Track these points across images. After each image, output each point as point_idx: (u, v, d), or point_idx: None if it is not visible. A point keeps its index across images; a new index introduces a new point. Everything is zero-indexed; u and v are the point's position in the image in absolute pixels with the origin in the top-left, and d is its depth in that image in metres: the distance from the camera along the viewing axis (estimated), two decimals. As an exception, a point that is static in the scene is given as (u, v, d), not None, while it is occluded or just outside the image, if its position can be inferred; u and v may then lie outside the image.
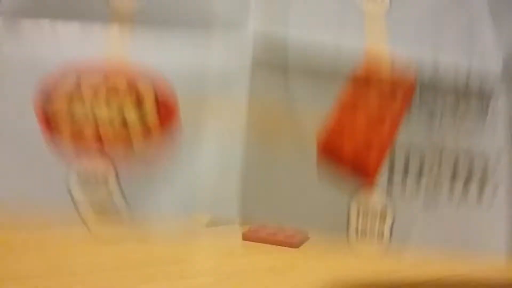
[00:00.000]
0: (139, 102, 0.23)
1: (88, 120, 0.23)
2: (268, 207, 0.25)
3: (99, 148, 0.23)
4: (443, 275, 0.41)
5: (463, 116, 0.26)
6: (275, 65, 0.24)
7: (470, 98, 0.26)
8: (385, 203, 0.25)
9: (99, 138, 0.23)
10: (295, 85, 0.25)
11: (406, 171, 0.25)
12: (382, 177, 0.25)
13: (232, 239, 0.50)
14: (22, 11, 0.24)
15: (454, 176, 0.25)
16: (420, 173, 0.25)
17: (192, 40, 0.24)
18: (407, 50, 0.26)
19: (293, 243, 0.47)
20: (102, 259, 0.45)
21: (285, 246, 0.47)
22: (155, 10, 0.24)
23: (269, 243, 0.48)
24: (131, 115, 0.23)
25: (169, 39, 0.24)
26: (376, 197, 0.25)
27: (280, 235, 0.48)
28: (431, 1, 0.28)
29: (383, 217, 0.25)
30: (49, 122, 0.23)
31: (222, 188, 0.24)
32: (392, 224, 0.25)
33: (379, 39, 0.26)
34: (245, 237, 0.49)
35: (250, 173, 0.24)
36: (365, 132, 0.25)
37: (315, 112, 0.25)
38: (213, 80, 0.24)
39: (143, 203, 0.23)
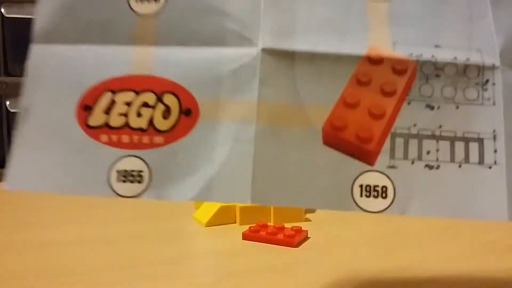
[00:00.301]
0: (167, 112, 0.27)
1: (124, 130, 0.27)
2: (278, 190, 0.27)
3: (134, 150, 0.27)
4: (442, 275, 0.42)
5: (461, 104, 0.28)
6: (283, 72, 0.27)
7: (468, 87, 0.28)
8: (386, 180, 0.27)
9: (133, 144, 0.27)
10: (302, 87, 0.27)
11: (405, 155, 0.27)
12: (382, 159, 0.27)
13: (232, 239, 0.50)
14: (54, 38, 0.28)
15: (452, 159, 0.28)
16: (419, 157, 0.27)
17: (208, 55, 0.28)
18: (408, 44, 0.28)
19: (293, 243, 0.47)
20: (102, 258, 0.45)
21: (285, 246, 0.47)
22: (175, 31, 0.28)
23: (269, 243, 0.48)
24: (161, 125, 0.27)
25: (188, 55, 0.28)
26: (378, 175, 0.27)
27: (280, 235, 0.48)
28: None
29: (384, 190, 0.27)
30: (91, 129, 0.27)
31: (235, 174, 0.27)
32: (394, 189, 0.27)
33: (381, 39, 0.28)
34: (245, 237, 0.49)
35: (261, 160, 0.27)
36: (366, 122, 0.27)
37: (320, 106, 0.27)
38: (227, 86, 0.27)
39: (168, 191, 0.27)
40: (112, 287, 0.39)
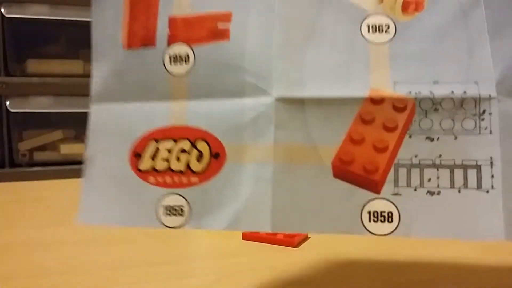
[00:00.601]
0: (200, 156, 0.32)
1: (167, 172, 0.33)
2: (295, 219, 0.31)
3: (175, 188, 0.32)
4: (442, 275, 0.42)
5: (459, 134, 0.30)
6: (295, 116, 0.31)
7: (465, 118, 0.30)
8: (392, 206, 0.30)
9: (175, 183, 0.32)
10: (312, 129, 0.31)
11: (408, 183, 0.30)
12: (388, 187, 0.30)
13: (232, 239, 0.50)
14: (108, 98, 0.34)
15: (451, 185, 0.30)
16: (421, 185, 0.30)
17: (231, 105, 0.32)
18: (407, 83, 0.31)
19: (293, 243, 0.47)
20: (102, 258, 0.45)
21: (285, 246, 0.47)
22: (203, 86, 0.33)
23: (269, 243, 0.48)
24: (196, 167, 0.32)
25: (215, 107, 0.32)
26: (384, 202, 0.30)
27: (280, 235, 0.48)
28: (433, 30, 0.31)
29: (390, 215, 0.30)
30: (141, 172, 0.33)
31: (257, 208, 0.31)
32: (399, 214, 0.30)
33: (382, 80, 0.31)
34: (245, 237, 0.49)
35: (279, 194, 0.31)
36: (371, 155, 0.30)
37: (329, 144, 0.31)
38: (248, 132, 0.32)
39: (205, 222, 0.32)
40: (112, 287, 0.39)
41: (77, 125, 1.43)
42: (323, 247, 0.48)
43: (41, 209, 0.63)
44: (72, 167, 1.35)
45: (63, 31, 1.47)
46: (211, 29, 0.33)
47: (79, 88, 1.34)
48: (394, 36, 0.32)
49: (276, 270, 0.42)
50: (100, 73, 0.35)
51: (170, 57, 0.33)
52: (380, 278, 0.41)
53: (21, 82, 1.38)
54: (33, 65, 1.40)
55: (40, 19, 1.39)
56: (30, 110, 1.41)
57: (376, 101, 0.31)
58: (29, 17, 1.38)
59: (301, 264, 0.44)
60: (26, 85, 1.38)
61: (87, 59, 1.42)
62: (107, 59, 0.34)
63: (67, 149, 1.42)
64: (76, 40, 1.44)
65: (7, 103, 1.38)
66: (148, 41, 0.34)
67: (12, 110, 1.39)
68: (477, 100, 0.30)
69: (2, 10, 1.35)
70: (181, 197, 0.32)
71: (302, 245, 0.48)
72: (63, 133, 1.43)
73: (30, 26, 1.41)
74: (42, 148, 1.44)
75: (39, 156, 1.43)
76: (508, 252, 0.46)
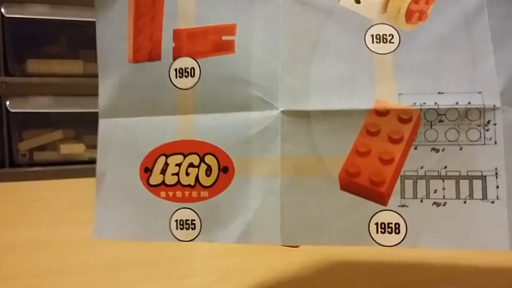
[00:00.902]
0: (209, 170, 0.32)
1: (177, 187, 0.33)
2: (304, 232, 0.31)
3: (186, 203, 0.33)
4: (442, 274, 0.42)
5: (464, 145, 0.30)
6: (301, 129, 0.31)
7: (470, 129, 0.30)
8: (398, 218, 0.30)
9: (185, 198, 0.33)
10: (318, 141, 0.31)
11: (415, 195, 0.30)
12: (394, 199, 0.30)
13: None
14: (115, 113, 0.34)
15: (457, 196, 0.30)
16: (427, 196, 0.30)
17: (238, 119, 0.32)
18: (412, 94, 0.31)
19: (293, 243, 0.47)
20: (102, 258, 0.45)
21: (285, 246, 0.47)
22: (210, 101, 0.33)
23: (269, 243, 0.48)
24: (205, 181, 0.32)
25: (222, 121, 0.32)
26: (391, 213, 0.30)
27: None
28: (437, 40, 0.31)
29: (397, 226, 0.30)
30: (152, 187, 0.33)
31: (267, 221, 0.31)
32: (406, 225, 0.30)
33: (387, 91, 0.31)
34: (245, 237, 0.49)
35: (287, 207, 0.31)
36: (377, 167, 0.30)
37: (335, 157, 0.31)
38: (255, 146, 0.32)
39: (216, 235, 0.32)
40: (112, 287, 0.39)
41: (77, 125, 1.43)
42: (323, 247, 0.48)
43: (41, 209, 0.63)
44: (72, 167, 1.35)
45: (63, 31, 1.47)
46: (216, 41, 0.33)
47: (79, 88, 1.34)
48: (398, 46, 0.32)
49: (276, 270, 0.42)
50: (106, 88, 0.35)
51: (176, 71, 0.33)
52: (380, 278, 0.41)
53: (21, 82, 1.38)
54: (33, 65, 1.40)
55: (40, 19, 1.39)
56: (30, 110, 1.40)
57: (381, 113, 0.31)
58: (29, 17, 1.38)
59: (301, 264, 0.44)
60: (26, 85, 1.38)
61: (87, 59, 1.42)
62: (113, 74, 0.34)
63: (67, 149, 1.42)
64: (76, 40, 1.44)
65: (7, 103, 1.38)
66: (153, 54, 0.34)
67: (12, 110, 1.38)
68: (481, 111, 0.30)
69: (2, 10, 1.35)
70: (192, 211, 0.33)
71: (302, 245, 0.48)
72: (63, 133, 1.43)
73: (30, 26, 1.41)
74: (42, 148, 1.44)
75: (39, 156, 1.43)
76: (507, 252, 0.46)
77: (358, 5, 0.32)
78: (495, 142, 0.30)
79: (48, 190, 0.84)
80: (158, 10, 0.34)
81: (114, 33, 0.34)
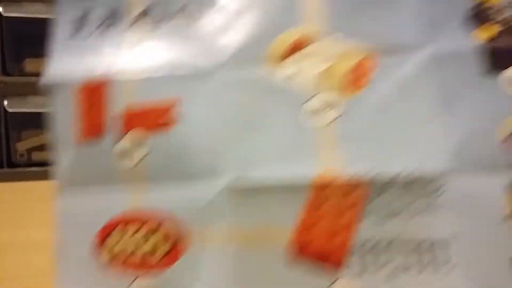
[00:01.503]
0: (164, 240, 0.33)
1: (133, 255, 0.34)
2: None
3: (143, 272, 0.33)
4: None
5: (414, 214, 0.29)
6: (247, 201, 0.32)
7: (420, 197, 0.29)
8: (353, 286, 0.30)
9: (142, 268, 0.33)
10: (264, 213, 0.32)
11: (364, 268, 0.30)
12: (346, 271, 0.30)
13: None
14: (69, 188, 0.36)
15: (409, 268, 0.29)
16: (377, 269, 0.30)
17: (188, 189, 0.33)
18: (357, 162, 0.30)
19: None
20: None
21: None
22: (159, 172, 0.34)
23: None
24: (161, 250, 0.33)
25: (173, 191, 0.33)
26: (344, 284, 0.30)
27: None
28: (380, 104, 0.30)
29: None
30: (106, 261, 0.34)
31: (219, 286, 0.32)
32: None
33: (331, 161, 0.31)
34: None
35: (239, 277, 0.32)
36: (325, 240, 0.30)
37: (283, 228, 0.31)
38: (205, 216, 0.33)
39: None
40: (113, 287, 0.39)
41: (75, 125, 1.43)
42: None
43: (40, 209, 0.62)
44: (70, 167, 1.34)
45: (61, 30, 1.46)
46: (162, 115, 0.34)
47: (78, 87, 1.33)
48: (339, 115, 0.31)
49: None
50: (60, 164, 0.37)
51: (122, 148, 0.34)
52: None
53: (19, 81, 1.38)
54: (31, 64, 1.39)
55: (39, 18, 1.39)
56: (28, 110, 1.40)
57: (326, 183, 0.30)
58: (27, 16, 1.37)
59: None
60: (24, 85, 1.38)
61: (86, 58, 1.42)
62: (63, 152, 0.36)
63: (66, 148, 1.41)
64: (74, 39, 1.44)
65: (5, 103, 1.38)
66: (97, 134, 0.35)
67: (10, 110, 1.38)
68: (430, 177, 0.29)
69: (0, 9, 1.35)
70: (150, 280, 0.33)
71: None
72: (61, 132, 1.43)
73: (29, 25, 1.40)
74: (40, 148, 1.44)
75: (37, 156, 1.43)
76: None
77: (294, 80, 0.32)
78: (446, 209, 0.29)
79: (47, 190, 0.84)
80: (101, 95, 0.35)
81: (61, 115, 0.37)
